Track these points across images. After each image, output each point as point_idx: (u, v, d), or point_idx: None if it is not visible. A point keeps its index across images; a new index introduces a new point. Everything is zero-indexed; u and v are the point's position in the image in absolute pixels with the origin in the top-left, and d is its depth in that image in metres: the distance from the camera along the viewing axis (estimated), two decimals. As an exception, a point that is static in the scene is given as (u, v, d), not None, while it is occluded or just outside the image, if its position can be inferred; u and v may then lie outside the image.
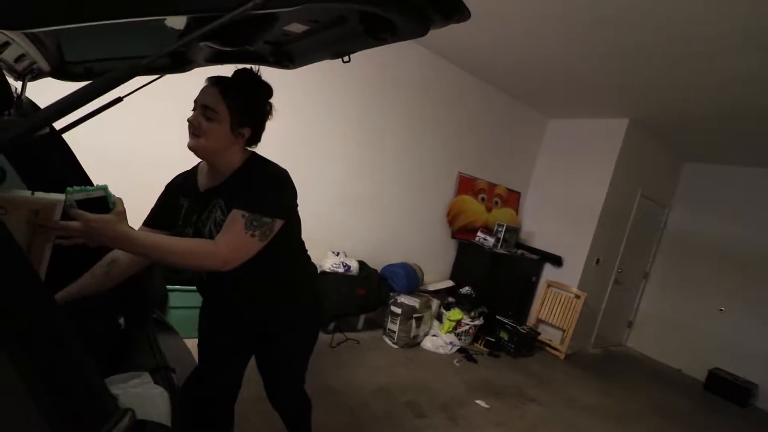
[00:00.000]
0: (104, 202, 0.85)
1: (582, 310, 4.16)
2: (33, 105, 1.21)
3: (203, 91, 1.03)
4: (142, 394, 0.80)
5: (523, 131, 4.79)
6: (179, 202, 1.20)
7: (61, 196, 0.76)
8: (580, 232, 4.37)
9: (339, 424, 2.12)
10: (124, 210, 0.86)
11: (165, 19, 0.82)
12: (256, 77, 1.06)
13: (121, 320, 1.23)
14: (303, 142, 3.24)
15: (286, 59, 1.00)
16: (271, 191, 1.07)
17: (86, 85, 0.49)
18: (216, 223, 1.09)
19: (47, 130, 1.08)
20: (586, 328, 4.53)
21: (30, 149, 1.11)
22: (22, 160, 1.14)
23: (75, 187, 0.84)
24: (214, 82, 1.02)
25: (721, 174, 4.86)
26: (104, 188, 0.87)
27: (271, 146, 3.19)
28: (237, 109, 1.03)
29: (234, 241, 0.98)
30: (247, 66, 1.07)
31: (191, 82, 1.15)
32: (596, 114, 4.35)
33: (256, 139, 1.13)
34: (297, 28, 0.82)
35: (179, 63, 1.00)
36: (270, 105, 1.13)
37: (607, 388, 3.64)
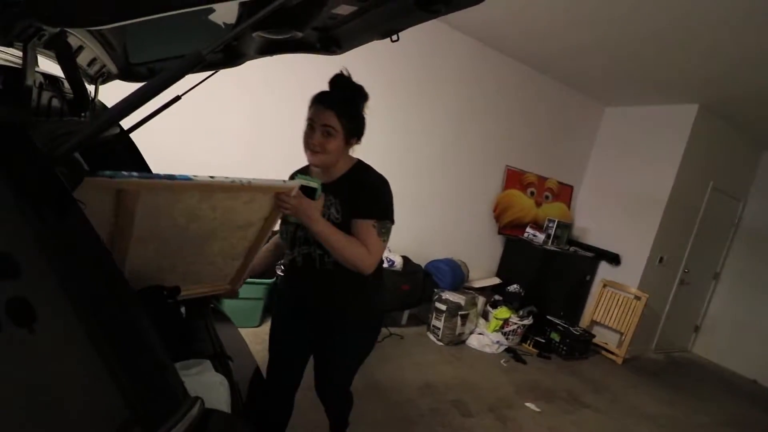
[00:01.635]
0: (310, 192, 1.07)
1: (643, 312, 3.87)
2: (105, 107, 1.30)
3: (319, 112, 1.16)
4: (205, 382, 0.84)
5: (578, 121, 4.51)
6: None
7: (295, 183, 1.00)
8: (641, 229, 4.06)
9: (385, 419, 2.12)
10: (322, 202, 1.13)
11: (215, 11, 0.84)
12: (353, 85, 1.21)
13: (182, 309, 1.29)
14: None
15: (333, 44, 0.99)
16: (387, 198, 1.24)
17: (149, 81, 0.50)
18: (330, 219, 1.20)
19: (117, 130, 1.15)
20: (647, 331, 4.21)
21: (105, 149, 1.19)
22: (96, 160, 1.23)
23: (299, 176, 1.19)
24: (329, 104, 1.15)
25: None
26: (317, 182, 1.10)
27: (292, 127, 3.24)
28: (349, 125, 1.19)
29: (375, 246, 1.17)
30: (342, 72, 1.21)
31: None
32: (661, 100, 4.00)
33: (359, 142, 1.30)
34: (345, 9, 0.81)
35: (232, 57, 1.02)
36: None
37: (672, 397, 3.36)
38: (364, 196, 1.21)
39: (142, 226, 0.78)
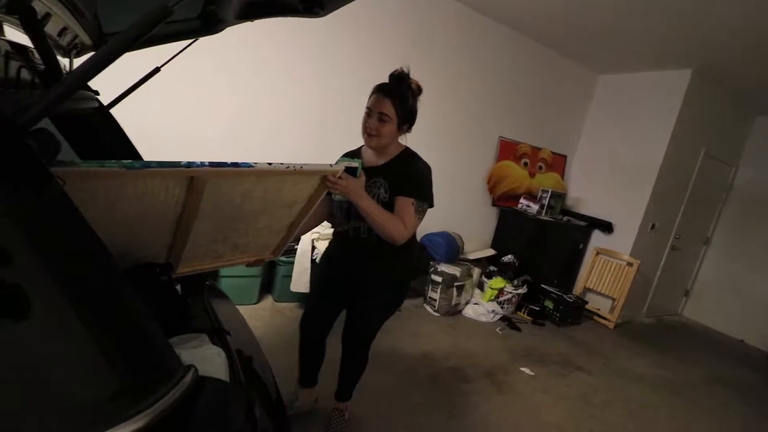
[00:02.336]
0: (352, 171, 1.21)
1: (634, 278, 3.95)
2: (82, 82, 1.25)
3: (377, 101, 1.36)
4: (201, 354, 0.84)
5: (571, 89, 4.45)
6: None
7: (340, 166, 1.12)
8: (633, 197, 4.08)
9: (386, 387, 2.18)
10: (364, 180, 1.27)
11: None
12: (409, 80, 1.41)
13: (178, 286, 1.29)
14: (335, 104, 3.20)
15: (316, 5, 0.95)
16: (428, 183, 1.45)
17: (113, 39, 0.47)
18: (378, 198, 1.40)
19: (95, 104, 1.11)
20: (638, 296, 4.31)
21: (83, 125, 1.15)
22: (76, 136, 1.19)
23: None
24: (386, 93, 1.35)
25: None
26: (358, 161, 1.26)
27: (308, 108, 3.17)
28: (402, 114, 1.38)
29: (411, 222, 1.36)
30: (403, 69, 1.42)
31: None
32: (654, 66, 3.94)
33: (409, 131, 1.50)
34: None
35: (210, 23, 0.97)
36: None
37: (661, 359, 3.48)
38: (409, 179, 1.40)
39: (206, 205, 0.90)
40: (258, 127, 2.96)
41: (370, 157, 1.50)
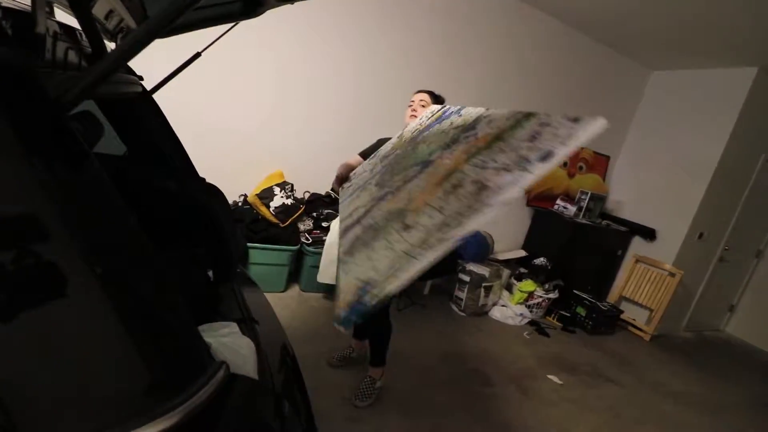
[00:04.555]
0: None
1: (676, 290, 3.72)
2: (126, 66, 1.27)
3: (417, 95, 1.91)
4: (232, 345, 0.83)
5: (619, 86, 4.20)
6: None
7: None
8: (681, 203, 3.82)
9: (407, 386, 2.15)
10: None
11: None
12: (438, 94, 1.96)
13: (210, 273, 1.30)
14: (376, 93, 3.17)
15: None
16: None
17: (149, 20, 0.45)
18: None
19: (139, 89, 1.12)
20: (678, 309, 4.06)
21: (127, 109, 1.17)
22: (119, 119, 1.21)
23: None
24: (423, 91, 1.93)
25: None
26: None
27: (345, 99, 3.17)
28: (435, 101, 1.87)
29: None
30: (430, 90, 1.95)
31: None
32: (716, 63, 3.64)
33: None
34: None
35: (251, 7, 0.95)
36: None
37: (700, 376, 3.27)
38: None
39: None
40: (293, 116, 2.97)
41: None
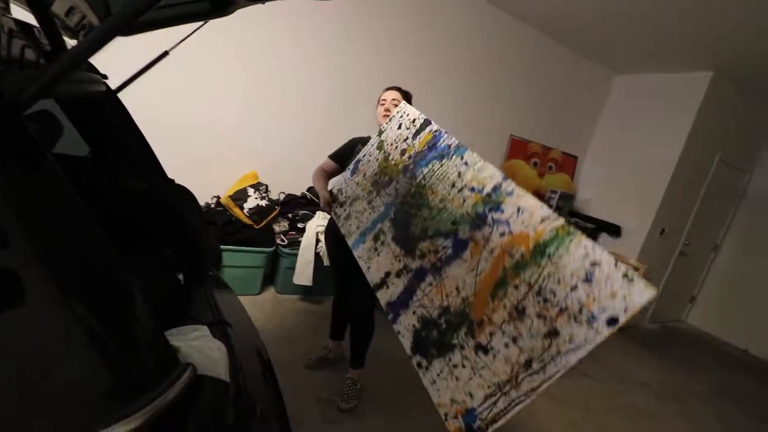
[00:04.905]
0: None
1: (640, 283, 3.89)
2: (89, 64, 1.23)
3: (389, 93, 1.87)
4: (201, 348, 0.82)
5: (585, 89, 4.37)
6: (356, 149, 1.85)
7: None
8: (644, 201, 4.01)
9: (384, 386, 2.16)
10: None
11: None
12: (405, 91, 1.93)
13: (180, 276, 1.27)
14: (347, 91, 3.17)
15: None
16: None
17: (111, 17, 0.45)
18: None
19: (103, 88, 1.09)
20: (643, 302, 4.25)
21: (90, 108, 1.13)
22: (82, 119, 1.17)
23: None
24: (394, 89, 1.90)
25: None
26: None
27: (318, 97, 3.15)
28: (407, 100, 1.86)
29: None
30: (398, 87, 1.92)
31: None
32: (675, 67, 3.84)
33: None
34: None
35: (220, 6, 0.94)
36: None
37: (664, 365, 3.44)
38: None
39: None
40: (265, 116, 2.94)
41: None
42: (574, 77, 4.22)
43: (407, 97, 1.90)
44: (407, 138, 1.60)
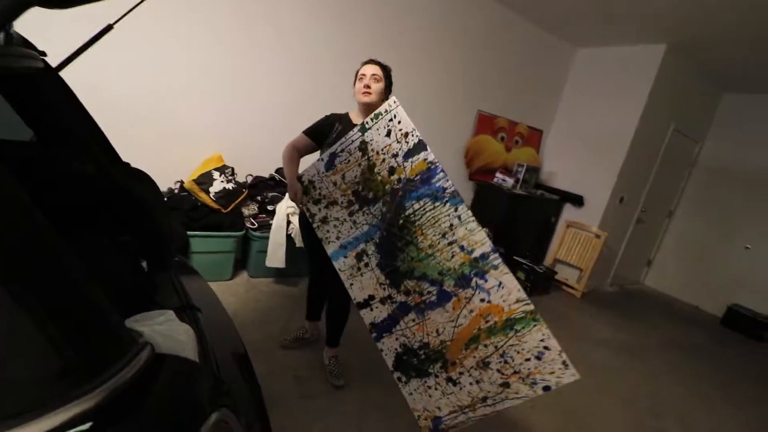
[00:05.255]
0: None
1: (601, 250, 4.12)
2: (24, 40, 1.13)
3: (368, 67, 1.72)
4: (167, 331, 0.81)
5: (549, 63, 4.43)
6: (335, 127, 1.74)
7: None
8: (604, 171, 4.19)
9: (357, 360, 2.21)
10: None
11: None
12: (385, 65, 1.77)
13: (144, 264, 1.23)
14: (308, 72, 3.09)
15: None
16: None
17: None
18: None
19: (40, 65, 1.01)
20: (604, 267, 4.51)
21: (25, 85, 1.05)
22: (21, 100, 1.08)
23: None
24: (373, 62, 1.74)
25: (761, 104, 4.48)
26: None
27: (279, 74, 3.04)
28: (387, 75, 1.75)
29: None
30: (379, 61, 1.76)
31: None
32: (632, 40, 3.95)
33: (387, 99, 1.66)
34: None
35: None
36: None
37: (623, 324, 3.69)
38: None
39: None
40: (226, 95, 2.83)
41: (354, 119, 1.75)
42: (538, 52, 4.27)
43: (387, 71, 1.75)
44: (397, 154, 1.51)
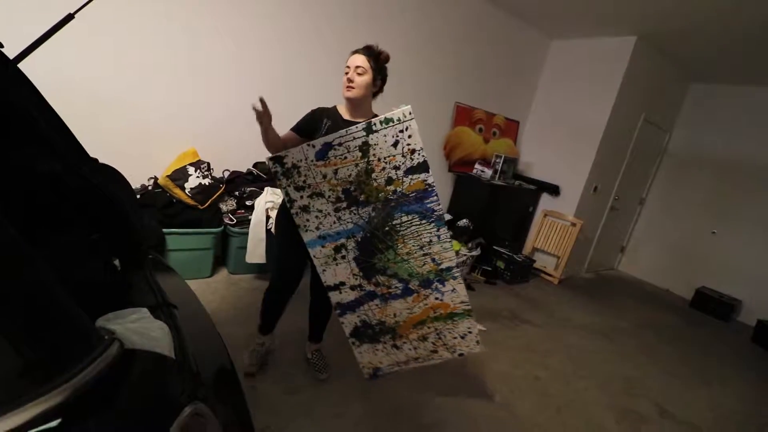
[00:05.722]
0: None
1: (577, 238, 4.24)
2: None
3: (354, 58, 1.59)
4: (140, 329, 0.80)
5: (525, 55, 4.49)
6: (323, 122, 1.66)
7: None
8: (578, 161, 4.30)
9: (337, 352, 2.22)
10: None
11: None
12: (380, 51, 1.63)
13: (116, 262, 1.20)
14: (279, 60, 3.04)
15: None
16: None
17: None
18: None
19: (-4, 57, 0.96)
20: (580, 254, 4.65)
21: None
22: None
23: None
24: (360, 51, 1.60)
25: (727, 94, 4.67)
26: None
27: (253, 65, 2.99)
28: (376, 66, 1.61)
29: None
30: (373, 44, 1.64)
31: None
32: (603, 32, 4.04)
33: (381, 90, 1.72)
34: None
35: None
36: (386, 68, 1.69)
37: (597, 308, 3.82)
38: None
39: None
40: (199, 87, 2.75)
41: (344, 114, 1.69)
42: (514, 44, 4.32)
43: (377, 61, 1.61)
44: (399, 167, 1.52)
